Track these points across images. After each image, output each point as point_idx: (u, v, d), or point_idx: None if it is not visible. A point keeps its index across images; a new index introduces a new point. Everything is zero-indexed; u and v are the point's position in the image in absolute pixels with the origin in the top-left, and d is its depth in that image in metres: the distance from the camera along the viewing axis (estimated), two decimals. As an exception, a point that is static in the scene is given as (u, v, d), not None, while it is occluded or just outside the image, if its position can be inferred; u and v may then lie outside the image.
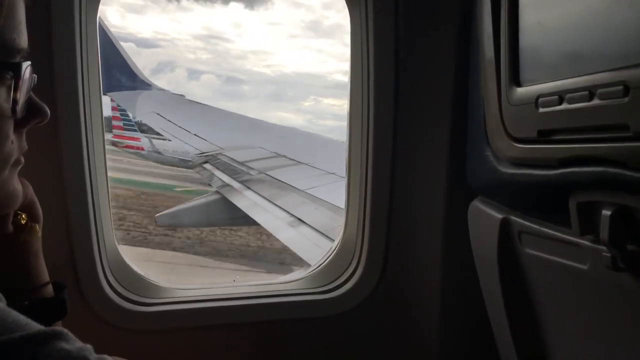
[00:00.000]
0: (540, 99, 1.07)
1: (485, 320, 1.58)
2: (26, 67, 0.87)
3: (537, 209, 1.26)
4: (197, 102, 11.89)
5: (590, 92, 0.94)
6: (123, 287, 1.66)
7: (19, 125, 0.90)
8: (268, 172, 7.67)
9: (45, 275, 1.22)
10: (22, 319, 0.72)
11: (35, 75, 0.93)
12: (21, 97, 0.87)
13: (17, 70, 0.85)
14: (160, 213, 8.44)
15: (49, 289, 1.22)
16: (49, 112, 0.95)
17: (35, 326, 0.71)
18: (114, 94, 11.11)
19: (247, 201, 7.09)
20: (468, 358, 1.83)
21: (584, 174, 1.02)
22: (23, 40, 0.87)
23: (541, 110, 1.08)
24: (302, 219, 6.21)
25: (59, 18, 1.46)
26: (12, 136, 0.88)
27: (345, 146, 1.84)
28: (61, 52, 1.48)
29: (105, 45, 9.62)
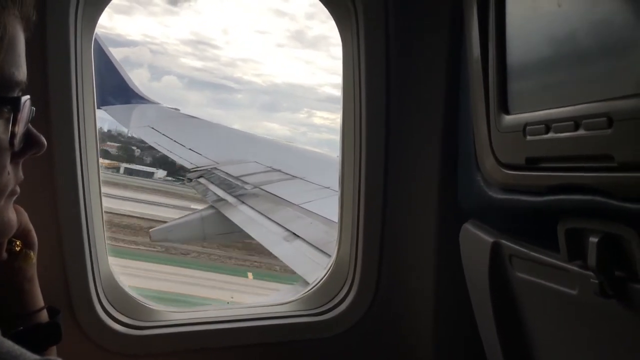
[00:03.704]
0: (528, 127, 1.10)
1: (478, 341, 1.59)
2: (25, 101, 0.89)
3: (527, 234, 1.27)
4: (192, 116, 11.87)
5: (576, 122, 0.96)
6: (117, 310, 1.66)
7: (15, 156, 0.91)
8: (263, 187, 7.63)
9: (40, 301, 1.23)
10: (17, 349, 0.72)
11: (33, 108, 0.94)
12: (19, 130, 0.88)
13: (15, 104, 0.86)
14: (155, 228, 8.41)
15: (44, 314, 1.22)
16: (45, 143, 0.96)
17: (30, 356, 0.72)
18: (109, 108, 11.09)
19: (242, 216, 7.05)
20: None
21: (571, 202, 1.04)
22: (22, 73, 0.88)
23: (529, 138, 1.10)
24: (297, 234, 6.18)
25: (54, 43, 1.48)
26: (9, 167, 0.89)
27: (338, 169, 1.85)
28: (56, 80, 1.49)
29: (100, 58, 9.63)
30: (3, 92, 0.85)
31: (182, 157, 8.96)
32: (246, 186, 7.80)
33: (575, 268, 1.09)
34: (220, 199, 7.60)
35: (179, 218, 8.41)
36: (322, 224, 6.13)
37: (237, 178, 8.06)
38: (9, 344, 0.73)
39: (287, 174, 8.07)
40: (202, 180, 8.26)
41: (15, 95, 0.88)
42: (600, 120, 0.89)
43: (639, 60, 0.85)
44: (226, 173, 8.24)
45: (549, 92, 1.07)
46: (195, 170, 8.55)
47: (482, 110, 1.27)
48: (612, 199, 0.93)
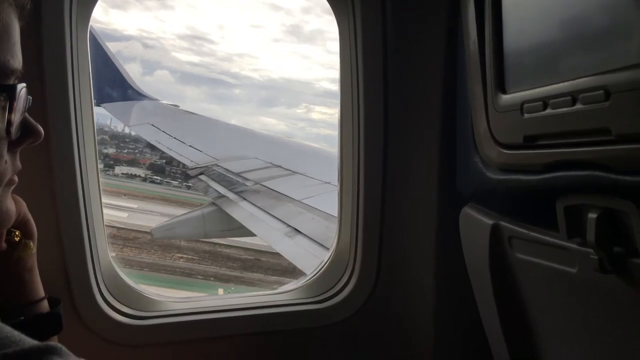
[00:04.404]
0: (525, 105, 1.09)
1: (479, 328, 1.58)
2: (21, 88, 0.88)
3: (526, 214, 1.27)
4: (192, 113, 11.82)
5: (573, 97, 0.95)
6: (117, 300, 1.66)
7: (12, 145, 0.91)
8: (263, 183, 7.63)
9: (40, 291, 1.23)
10: (16, 334, 0.72)
11: (30, 97, 0.93)
12: (16, 118, 0.88)
13: (11, 92, 0.86)
14: (156, 226, 8.40)
15: (44, 305, 1.23)
16: (43, 132, 0.96)
17: (29, 342, 0.72)
18: (108, 105, 11.05)
19: (243, 212, 7.05)
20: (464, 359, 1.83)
21: (569, 178, 1.03)
22: (17, 61, 0.88)
23: (526, 116, 1.09)
24: (299, 229, 6.18)
25: (50, 34, 1.48)
26: (6, 156, 0.89)
27: (337, 157, 1.85)
28: (52, 69, 1.48)
29: (98, 54, 9.59)
30: None
31: (182, 155, 8.94)
32: (247, 182, 7.79)
33: (575, 246, 1.08)
34: (222, 196, 7.60)
35: (181, 215, 8.41)
36: (323, 220, 6.13)
37: (237, 174, 8.06)
38: (8, 330, 0.73)
39: (287, 169, 8.07)
40: (202, 177, 8.25)
41: (11, 83, 0.88)
42: (597, 94, 0.89)
43: (634, 32, 0.84)
44: (226, 169, 8.23)
45: (546, 69, 1.06)
46: (195, 168, 8.54)
47: (480, 90, 1.27)
48: (611, 172, 0.93)
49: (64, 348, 0.74)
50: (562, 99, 0.98)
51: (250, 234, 7.09)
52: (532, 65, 1.11)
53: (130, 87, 11.92)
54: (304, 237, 5.97)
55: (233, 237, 8.92)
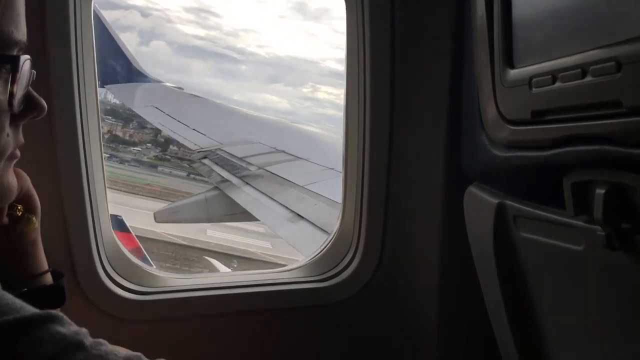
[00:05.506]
0: (534, 80, 1.07)
1: (483, 306, 1.58)
2: (24, 60, 0.87)
3: (532, 192, 1.26)
4: (197, 96, 11.76)
5: (583, 69, 0.94)
6: (120, 275, 1.66)
7: (15, 118, 0.90)
8: (267, 168, 7.61)
9: (44, 264, 1.23)
10: (17, 302, 0.72)
11: (34, 71, 0.92)
12: (19, 91, 0.87)
13: (15, 63, 0.85)
14: (159, 209, 8.41)
15: (48, 277, 1.23)
16: (46, 106, 0.95)
17: (30, 309, 0.72)
18: (112, 87, 10.99)
19: (246, 197, 7.05)
20: (467, 343, 1.83)
21: (577, 153, 1.02)
22: (21, 33, 0.86)
23: (535, 90, 1.07)
24: (302, 215, 6.19)
25: (54, 8, 1.46)
26: (8, 129, 0.88)
27: (342, 135, 1.84)
28: (56, 43, 1.47)
29: (102, 36, 9.53)
30: (1, 50, 0.83)
31: (186, 138, 8.92)
32: (250, 167, 7.79)
33: (581, 223, 1.07)
34: (225, 180, 7.60)
35: (185, 199, 8.42)
36: (326, 205, 6.13)
37: (241, 159, 8.05)
38: (9, 297, 0.73)
39: (291, 154, 8.06)
40: (206, 161, 8.24)
41: (15, 54, 0.87)
42: (608, 65, 0.87)
43: None
44: (230, 154, 8.22)
45: (555, 42, 1.04)
46: (199, 151, 8.53)
47: (487, 66, 1.25)
48: (620, 146, 0.91)
49: (65, 316, 0.74)
50: (572, 72, 0.96)
51: (253, 218, 7.10)
52: (541, 38, 1.09)
53: (135, 69, 11.85)
54: (306, 222, 5.97)
55: (236, 221, 8.93)
